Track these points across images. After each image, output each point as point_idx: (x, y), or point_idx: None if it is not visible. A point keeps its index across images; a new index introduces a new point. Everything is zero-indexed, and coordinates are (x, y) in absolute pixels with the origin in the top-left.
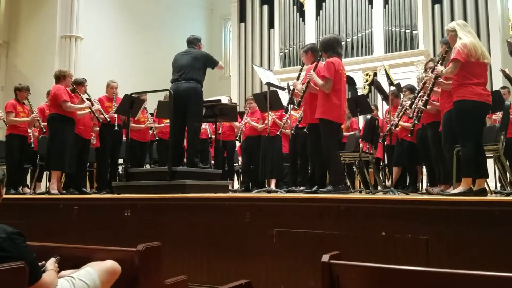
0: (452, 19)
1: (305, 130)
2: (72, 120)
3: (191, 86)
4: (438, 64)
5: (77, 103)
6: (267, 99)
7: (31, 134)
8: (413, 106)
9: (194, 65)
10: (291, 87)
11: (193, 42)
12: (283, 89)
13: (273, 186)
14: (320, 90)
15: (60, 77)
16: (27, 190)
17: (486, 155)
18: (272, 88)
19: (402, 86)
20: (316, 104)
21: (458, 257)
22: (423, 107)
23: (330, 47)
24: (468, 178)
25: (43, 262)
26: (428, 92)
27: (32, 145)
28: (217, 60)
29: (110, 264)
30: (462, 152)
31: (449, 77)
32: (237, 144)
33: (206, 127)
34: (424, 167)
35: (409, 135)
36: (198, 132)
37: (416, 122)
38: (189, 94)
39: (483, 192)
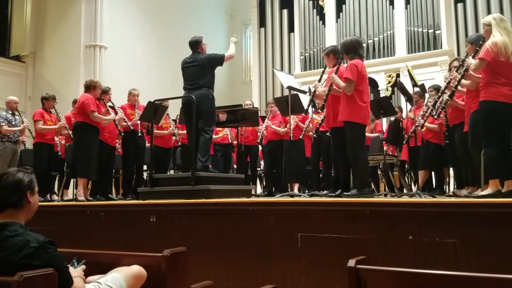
0: (476, 18)
1: (328, 134)
2: (97, 128)
3: (203, 93)
4: (470, 57)
5: (102, 113)
6: (288, 103)
7: (57, 142)
8: (437, 105)
9: (201, 72)
10: (312, 89)
11: (195, 45)
12: (304, 92)
13: (296, 190)
14: (343, 92)
15: (90, 87)
16: (55, 197)
17: None
18: (293, 92)
19: (426, 86)
20: (339, 108)
21: (487, 261)
22: (448, 98)
23: (352, 49)
24: (496, 180)
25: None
26: (456, 83)
27: (59, 153)
28: (221, 54)
29: (136, 269)
30: (486, 153)
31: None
32: (260, 148)
33: (228, 133)
34: (451, 169)
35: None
36: (210, 138)
37: (435, 117)
38: (202, 102)
39: None
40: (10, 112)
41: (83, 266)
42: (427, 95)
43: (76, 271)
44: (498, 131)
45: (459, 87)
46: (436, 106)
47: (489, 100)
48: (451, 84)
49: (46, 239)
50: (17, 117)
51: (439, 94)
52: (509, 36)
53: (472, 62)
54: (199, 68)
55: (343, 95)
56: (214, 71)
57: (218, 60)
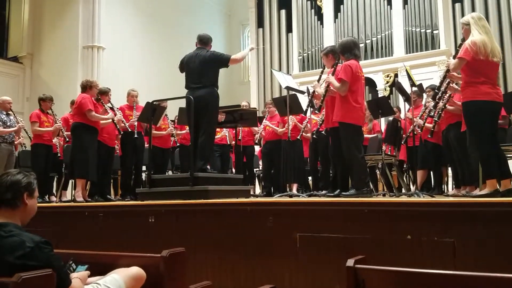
0: None
1: (323, 132)
2: (96, 129)
3: (207, 91)
4: (451, 57)
5: (100, 113)
6: (286, 103)
7: (57, 144)
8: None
9: (205, 70)
10: (311, 90)
11: (205, 42)
12: (302, 92)
13: (294, 191)
14: (337, 93)
15: (86, 87)
16: (53, 198)
17: (511, 155)
18: (291, 92)
19: (424, 86)
20: None
21: (485, 260)
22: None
23: (348, 49)
24: (492, 180)
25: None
26: (439, 85)
27: (58, 154)
28: (227, 55)
29: (135, 270)
30: (480, 155)
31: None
32: (257, 148)
33: (226, 134)
34: (449, 168)
35: (429, 136)
36: (213, 137)
37: (436, 119)
38: (206, 100)
39: (510, 192)
40: (4, 113)
41: (88, 272)
42: (425, 95)
43: (79, 275)
44: (486, 130)
45: (456, 86)
46: (436, 108)
47: (469, 100)
48: (451, 85)
49: (42, 239)
50: (11, 118)
51: (439, 95)
52: (488, 35)
53: (452, 62)
54: (202, 64)
55: (337, 95)
56: (218, 69)
57: (223, 60)
